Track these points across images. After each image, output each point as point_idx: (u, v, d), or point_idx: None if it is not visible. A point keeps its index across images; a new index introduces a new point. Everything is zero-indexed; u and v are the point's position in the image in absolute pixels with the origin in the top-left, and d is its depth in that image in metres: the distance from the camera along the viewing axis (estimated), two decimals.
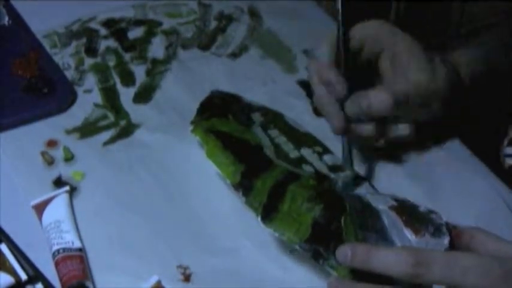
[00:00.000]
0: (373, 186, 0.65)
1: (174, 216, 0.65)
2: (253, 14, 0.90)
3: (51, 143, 0.71)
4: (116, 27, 0.86)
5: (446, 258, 0.49)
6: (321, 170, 0.65)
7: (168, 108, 0.76)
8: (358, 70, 0.67)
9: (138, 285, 0.58)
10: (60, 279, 0.57)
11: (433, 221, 0.56)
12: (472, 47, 0.71)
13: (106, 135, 0.72)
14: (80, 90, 0.77)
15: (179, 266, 0.60)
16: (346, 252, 0.52)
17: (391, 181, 0.69)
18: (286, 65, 0.83)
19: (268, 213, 0.58)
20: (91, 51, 0.83)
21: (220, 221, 0.64)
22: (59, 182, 0.67)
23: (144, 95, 0.77)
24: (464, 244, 0.54)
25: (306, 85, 0.80)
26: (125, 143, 0.72)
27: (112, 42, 0.84)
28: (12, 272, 0.58)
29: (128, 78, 0.79)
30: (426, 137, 0.71)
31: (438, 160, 0.71)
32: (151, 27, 0.87)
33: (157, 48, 0.84)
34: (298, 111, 0.75)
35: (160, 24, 0.87)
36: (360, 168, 0.68)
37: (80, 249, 0.60)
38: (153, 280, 0.58)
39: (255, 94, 0.76)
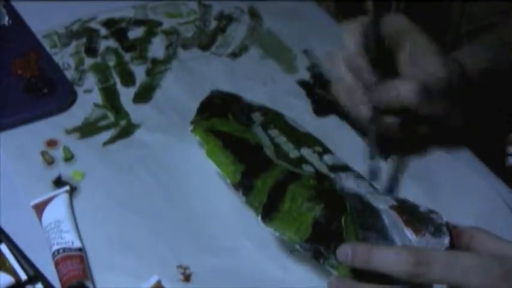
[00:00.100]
0: (373, 186, 0.65)
1: (174, 216, 0.65)
2: (253, 14, 0.90)
3: (51, 143, 0.71)
4: (116, 27, 0.86)
5: (447, 258, 0.48)
6: (321, 170, 0.65)
7: (168, 108, 0.76)
8: (380, 62, 0.66)
9: (138, 285, 0.58)
10: (60, 279, 0.57)
11: (433, 220, 0.56)
12: (477, 46, 0.71)
13: (106, 135, 0.72)
14: (80, 90, 0.77)
15: (179, 266, 0.60)
16: (346, 251, 0.52)
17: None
18: (286, 65, 0.83)
19: (268, 212, 0.58)
20: (91, 51, 0.83)
21: (220, 221, 0.64)
22: (59, 182, 0.67)
23: (144, 95, 0.77)
24: (465, 244, 0.54)
25: (306, 85, 0.80)
26: (124, 143, 0.72)
27: (112, 42, 0.84)
28: (12, 272, 0.58)
29: (127, 78, 0.79)
30: (426, 137, 0.71)
31: (438, 160, 0.71)
32: (152, 27, 0.87)
33: (157, 48, 0.84)
34: (298, 111, 0.75)
35: (160, 24, 0.87)
36: (360, 169, 0.68)
37: (80, 249, 0.60)
38: (153, 280, 0.58)
39: (255, 94, 0.76)
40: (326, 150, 0.69)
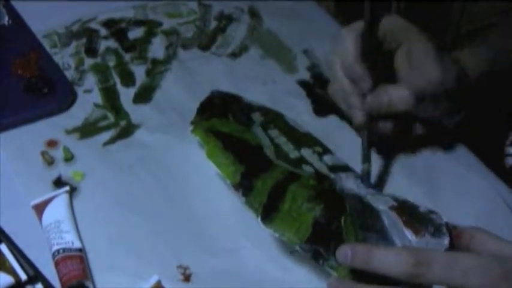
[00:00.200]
0: (373, 187, 0.65)
1: (174, 216, 0.65)
2: (253, 14, 0.90)
3: (51, 143, 0.71)
4: (116, 28, 0.86)
5: (447, 258, 0.48)
6: (321, 170, 0.65)
7: (168, 108, 0.76)
8: (377, 63, 0.67)
9: (138, 285, 0.58)
10: (60, 279, 0.57)
11: (433, 221, 0.56)
12: (478, 47, 0.71)
13: (106, 135, 0.72)
14: (80, 90, 0.77)
15: (179, 266, 0.60)
16: (346, 252, 0.52)
17: (392, 181, 0.69)
18: (286, 65, 0.83)
19: (268, 213, 0.58)
20: (91, 51, 0.83)
21: (220, 221, 0.64)
22: (59, 182, 0.67)
23: (144, 95, 0.77)
24: (465, 244, 0.54)
25: (306, 85, 0.80)
26: (124, 143, 0.72)
27: (112, 43, 0.84)
28: (12, 272, 0.58)
29: (128, 79, 0.79)
30: (425, 138, 0.71)
31: (438, 160, 0.71)
32: (152, 28, 0.87)
33: (157, 48, 0.84)
34: (298, 111, 0.75)
35: (160, 24, 0.87)
36: (359, 169, 0.68)
37: (80, 249, 0.60)
38: (153, 280, 0.58)
39: (255, 94, 0.76)
40: (326, 151, 0.69)
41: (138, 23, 0.87)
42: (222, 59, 0.83)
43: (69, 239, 0.60)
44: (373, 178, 0.67)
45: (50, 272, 0.59)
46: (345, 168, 0.66)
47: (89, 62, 0.81)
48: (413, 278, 0.48)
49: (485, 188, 0.68)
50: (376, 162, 0.70)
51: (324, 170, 0.65)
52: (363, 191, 0.62)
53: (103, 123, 0.74)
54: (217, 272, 0.60)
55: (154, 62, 0.82)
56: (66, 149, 0.70)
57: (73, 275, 0.57)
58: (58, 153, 0.70)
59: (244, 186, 0.61)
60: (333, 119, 0.76)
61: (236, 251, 0.62)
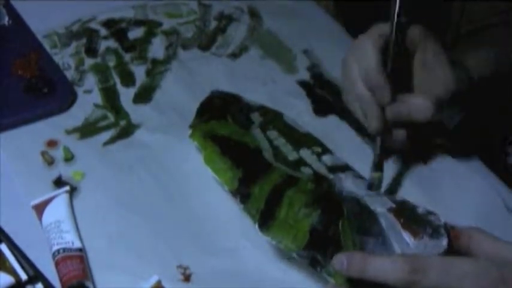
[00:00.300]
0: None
1: (174, 216, 0.65)
2: (253, 14, 0.90)
3: (51, 143, 0.71)
4: (116, 28, 0.86)
5: (442, 264, 0.49)
6: (319, 171, 0.65)
7: (168, 108, 0.76)
8: (396, 73, 0.66)
9: (138, 285, 0.58)
10: (60, 279, 0.57)
11: (431, 222, 0.56)
12: (479, 48, 0.71)
13: (106, 135, 0.72)
14: (80, 91, 0.77)
15: (179, 266, 0.60)
16: (342, 260, 0.52)
17: (391, 181, 0.69)
18: (286, 65, 0.83)
19: (265, 220, 0.59)
20: (91, 51, 0.83)
21: (220, 222, 0.64)
22: (59, 182, 0.67)
23: (144, 96, 0.77)
24: (463, 245, 0.54)
25: (306, 85, 0.80)
26: (124, 143, 0.72)
27: (112, 43, 0.84)
28: (12, 272, 0.58)
29: (128, 79, 0.79)
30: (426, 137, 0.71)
31: (438, 160, 0.71)
32: (152, 28, 0.87)
33: (157, 48, 0.84)
34: (298, 111, 0.75)
35: (160, 24, 0.87)
36: (359, 168, 0.68)
37: (80, 249, 0.60)
38: (153, 280, 0.58)
39: (255, 94, 0.76)
40: (325, 150, 0.69)
41: (138, 23, 0.87)
42: (222, 59, 0.83)
43: (69, 239, 0.60)
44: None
45: (50, 272, 0.59)
46: (344, 168, 0.66)
47: (89, 62, 0.81)
48: (410, 285, 0.48)
49: (485, 188, 0.68)
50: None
51: (323, 171, 0.65)
52: (362, 192, 0.62)
53: (103, 123, 0.74)
54: (217, 272, 0.60)
55: (154, 62, 0.82)
56: (66, 149, 0.70)
57: (73, 275, 0.57)
58: (58, 153, 0.70)
59: (241, 193, 0.61)
60: (332, 119, 0.76)
61: (236, 251, 0.62)
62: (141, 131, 0.73)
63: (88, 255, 0.60)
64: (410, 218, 0.57)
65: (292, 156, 0.66)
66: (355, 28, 0.89)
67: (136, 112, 0.75)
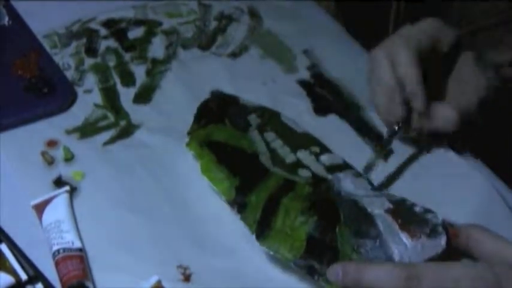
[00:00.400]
0: (371, 184, 0.65)
1: (174, 216, 0.65)
2: (253, 14, 0.90)
3: (51, 143, 0.71)
4: (116, 28, 0.86)
5: (438, 270, 0.49)
6: (317, 172, 0.65)
7: (168, 108, 0.76)
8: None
9: (138, 285, 0.58)
10: (60, 279, 0.57)
11: (429, 221, 0.56)
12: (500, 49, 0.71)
13: (106, 135, 0.72)
14: (80, 90, 0.77)
15: (179, 266, 0.60)
16: (337, 271, 0.52)
17: (391, 179, 0.69)
18: (286, 65, 0.83)
19: (262, 230, 0.59)
20: (91, 51, 0.83)
21: (220, 221, 0.64)
22: (59, 182, 0.67)
23: (144, 96, 0.77)
24: (462, 244, 0.54)
25: (306, 85, 0.80)
26: (124, 143, 0.72)
27: (112, 43, 0.84)
28: (12, 272, 0.58)
29: (128, 79, 0.79)
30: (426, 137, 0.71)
31: (438, 159, 0.71)
32: (152, 27, 0.87)
33: (157, 48, 0.84)
34: (298, 111, 0.75)
35: (160, 24, 0.87)
36: (358, 168, 0.68)
37: (80, 249, 0.60)
38: (153, 280, 0.58)
39: (255, 94, 0.76)
40: (323, 150, 0.68)
41: (138, 22, 0.87)
42: (222, 59, 0.83)
43: (69, 239, 0.60)
44: (372, 177, 0.67)
45: (50, 272, 0.59)
46: (343, 167, 0.66)
47: (89, 62, 0.81)
48: None
49: (485, 188, 0.68)
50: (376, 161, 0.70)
51: (321, 171, 0.65)
52: (360, 192, 0.62)
53: (103, 123, 0.74)
54: (217, 272, 0.60)
55: (154, 62, 0.82)
56: (66, 149, 0.70)
57: (73, 275, 0.57)
58: (58, 153, 0.70)
59: (238, 203, 0.61)
60: (333, 119, 0.76)
61: (236, 251, 0.62)
62: (141, 131, 0.73)
63: (88, 255, 0.60)
64: (408, 218, 0.57)
65: (289, 158, 0.66)
66: (355, 28, 0.89)
67: (136, 112, 0.75)
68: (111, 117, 0.74)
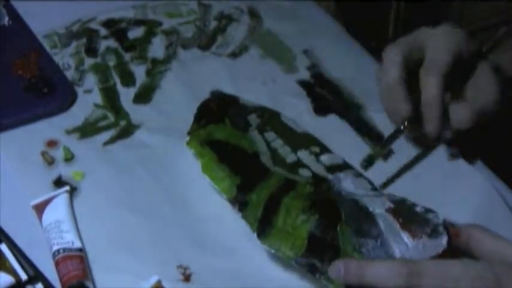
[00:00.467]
0: (371, 184, 0.65)
1: (174, 216, 0.65)
2: (253, 14, 0.90)
3: (51, 143, 0.71)
4: (116, 28, 0.86)
5: (439, 267, 0.49)
6: (318, 172, 0.65)
7: (168, 108, 0.76)
8: None
9: (138, 285, 0.58)
10: (60, 279, 0.57)
11: (430, 221, 0.56)
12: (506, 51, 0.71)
13: (106, 135, 0.72)
14: (80, 90, 0.77)
15: (179, 266, 0.60)
16: (339, 268, 0.52)
17: (391, 180, 0.69)
18: (286, 65, 0.83)
19: (263, 229, 0.59)
20: (91, 51, 0.83)
21: (220, 221, 0.64)
22: (59, 182, 0.67)
23: (144, 96, 0.77)
24: (463, 243, 0.54)
25: (306, 85, 0.80)
26: (125, 143, 0.72)
27: (112, 42, 0.84)
28: (12, 272, 0.58)
29: (128, 79, 0.79)
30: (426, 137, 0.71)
31: (438, 159, 0.71)
32: (151, 27, 0.87)
33: (157, 48, 0.84)
34: (298, 111, 0.75)
35: (160, 24, 0.87)
36: (358, 168, 0.68)
37: (80, 249, 0.60)
38: (153, 280, 0.58)
39: (255, 94, 0.76)
40: (323, 150, 0.68)
41: (138, 22, 0.87)
42: (222, 59, 0.83)
43: (69, 239, 0.60)
44: (372, 177, 0.67)
45: (50, 272, 0.59)
46: (343, 167, 0.66)
47: (89, 62, 0.81)
48: None
49: (485, 188, 0.68)
50: (376, 162, 0.70)
51: (322, 171, 0.65)
52: (361, 192, 0.62)
53: (103, 123, 0.74)
54: (217, 272, 0.60)
55: (154, 62, 0.82)
56: (66, 149, 0.70)
57: (73, 275, 0.57)
58: (58, 153, 0.70)
59: (239, 201, 0.61)
60: (333, 119, 0.76)
61: (236, 251, 0.62)
62: (141, 131, 0.73)
63: (88, 255, 0.60)
64: (409, 217, 0.57)
65: (290, 158, 0.66)
66: (355, 28, 0.89)
67: (136, 112, 0.75)
68: (111, 117, 0.74)
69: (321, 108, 0.77)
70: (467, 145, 0.72)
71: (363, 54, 0.84)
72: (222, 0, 0.91)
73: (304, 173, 0.65)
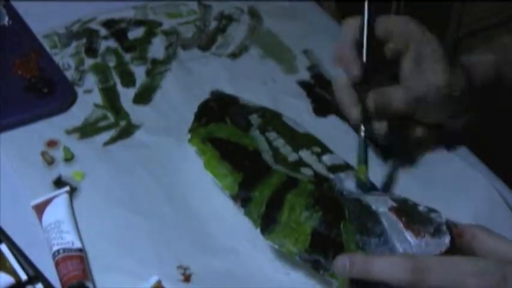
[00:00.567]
0: (372, 184, 0.65)
1: (174, 216, 0.65)
2: (253, 14, 0.90)
3: (51, 143, 0.71)
4: (116, 28, 0.86)
5: (445, 263, 0.49)
6: (319, 171, 0.65)
7: (168, 108, 0.76)
8: (377, 63, 0.67)
9: (138, 285, 0.58)
10: (60, 280, 0.57)
11: (432, 220, 0.56)
12: (486, 51, 0.71)
13: (106, 135, 0.72)
14: (80, 91, 0.77)
15: (179, 267, 0.60)
16: (344, 262, 0.52)
17: (391, 180, 0.69)
18: (286, 65, 0.83)
19: (267, 225, 0.59)
20: (91, 51, 0.83)
21: (220, 222, 0.64)
22: (59, 182, 0.67)
23: (144, 96, 0.77)
24: (466, 243, 0.54)
25: (306, 85, 0.80)
26: (125, 143, 0.72)
27: (112, 43, 0.84)
28: (12, 272, 0.58)
29: (128, 79, 0.79)
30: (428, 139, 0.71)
31: (438, 159, 0.71)
32: (151, 28, 0.87)
33: (157, 48, 0.84)
34: (298, 111, 0.75)
35: (160, 24, 0.87)
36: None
37: (80, 250, 0.60)
38: (153, 280, 0.58)
39: (255, 94, 0.76)
40: (325, 150, 0.68)
41: (138, 23, 0.87)
42: (222, 59, 0.83)
43: (70, 239, 0.60)
44: (373, 178, 0.67)
45: (50, 272, 0.59)
46: (345, 167, 0.66)
47: (89, 62, 0.81)
48: (413, 284, 0.48)
49: (485, 188, 0.68)
50: (376, 162, 0.70)
51: (323, 171, 0.65)
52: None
53: (103, 123, 0.74)
54: (217, 272, 0.60)
55: (154, 62, 0.82)
56: (66, 149, 0.70)
57: (73, 275, 0.57)
58: (58, 153, 0.70)
59: (242, 197, 0.61)
60: (333, 119, 0.76)
61: (236, 251, 0.62)
62: (141, 131, 0.73)
63: (88, 255, 0.60)
64: (412, 216, 0.57)
65: (292, 157, 0.66)
66: None
67: (136, 112, 0.75)
68: (111, 118, 0.74)
69: (321, 108, 0.77)
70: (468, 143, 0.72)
71: None
72: (222, 0, 0.91)
73: (306, 171, 0.65)
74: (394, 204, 0.58)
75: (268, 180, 0.62)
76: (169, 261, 0.61)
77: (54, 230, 0.61)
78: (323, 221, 0.57)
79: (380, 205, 0.58)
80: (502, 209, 0.66)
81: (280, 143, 0.68)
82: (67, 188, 0.65)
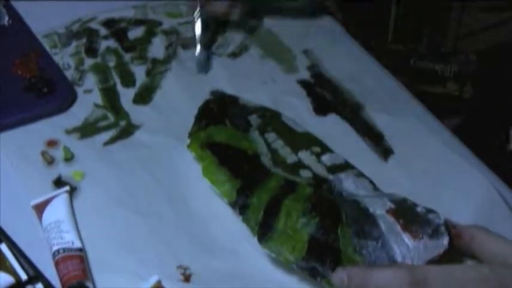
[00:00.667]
0: (373, 184, 0.65)
1: (174, 216, 0.65)
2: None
3: (51, 143, 0.71)
4: (116, 27, 0.86)
5: (443, 274, 0.49)
6: (318, 173, 0.65)
7: (168, 108, 0.76)
8: None
9: (138, 285, 0.58)
10: (60, 279, 0.57)
11: (431, 221, 0.56)
12: None
13: (106, 135, 0.72)
14: (80, 90, 0.77)
15: (179, 267, 0.60)
16: (342, 277, 0.52)
17: (390, 180, 0.69)
18: (286, 65, 0.83)
19: (264, 233, 0.59)
20: (91, 51, 0.83)
21: (220, 222, 0.64)
22: (59, 182, 0.67)
23: (144, 96, 0.77)
24: (465, 244, 0.54)
25: (306, 85, 0.80)
26: (124, 143, 0.72)
27: (112, 43, 0.84)
28: (12, 272, 0.58)
29: (128, 79, 0.79)
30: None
31: (438, 159, 0.71)
32: (151, 27, 0.87)
33: (157, 48, 0.84)
34: (298, 111, 0.75)
35: (160, 24, 0.87)
36: (359, 168, 0.68)
37: (80, 249, 0.60)
38: (153, 280, 0.58)
39: (255, 94, 0.76)
40: (324, 150, 0.68)
41: (138, 22, 0.87)
42: (222, 59, 0.83)
43: (70, 239, 0.60)
44: (373, 177, 0.67)
45: (50, 272, 0.59)
46: (344, 167, 0.66)
47: (89, 62, 0.81)
48: None
49: (485, 187, 0.68)
50: (376, 161, 0.70)
51: (322, 172, 0.65)
52: (361, 192, 0.62)
53: (103, 123, 0.74)
54: (217, 272, 0.60)
55: (154, 62, 0.82)
56: (66, 149, 0.70)
57: (73, 275, 0.57)
58: (58, 153, 0.70)
59: (240, 204, 0.61)
60: (333, 119, 0.76)
61: (236, 251, 0.62)
62: (141, 131, 0.73)
63: (88, 255, 0.60)
64: (410, 218, 0.57)
65: (291, 159, 0.66)
66: (355, 28, 0.89)
67: (136, 112, 0.75)
68: (111, 118, 0.74)
69: (321, 108, 0.77)
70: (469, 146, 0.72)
71: (362, 54, 0.84)
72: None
73: (305, 173, 0.65)
74: (392, 206, 0.58)
75: (267, 185, 0.62)
76: (169, 261, 0.61)
77: (54, 230, 0.61)
78: (320, 226, 0.57)
79: (378, 207, 0.58)
80: (501, 209, 0.66)
81: (279, 144, 0.68)
82: (67, 188, 0.65)
